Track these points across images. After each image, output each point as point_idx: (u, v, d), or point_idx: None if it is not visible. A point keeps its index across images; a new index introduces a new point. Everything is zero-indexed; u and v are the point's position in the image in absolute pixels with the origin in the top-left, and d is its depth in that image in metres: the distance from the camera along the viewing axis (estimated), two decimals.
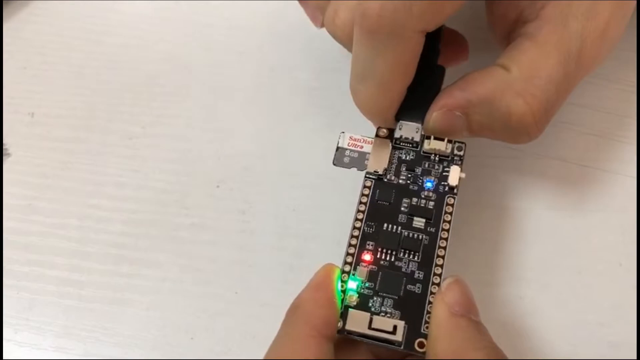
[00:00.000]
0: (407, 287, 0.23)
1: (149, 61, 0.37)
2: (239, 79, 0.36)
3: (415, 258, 0.23)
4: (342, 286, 0.23)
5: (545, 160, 0.31)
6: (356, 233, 0.24)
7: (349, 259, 0.24)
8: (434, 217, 0.24)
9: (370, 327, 0.22)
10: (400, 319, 0.22)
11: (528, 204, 0.30)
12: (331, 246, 0.29)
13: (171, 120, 0.35)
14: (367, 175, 0.25)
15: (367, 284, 0.23)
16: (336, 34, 0.27)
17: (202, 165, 0.33)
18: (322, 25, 0.30)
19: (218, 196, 0.32)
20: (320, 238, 0.30)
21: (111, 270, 0.30)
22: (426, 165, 0.26)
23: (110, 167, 0.33)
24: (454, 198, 0.25)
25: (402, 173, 0.26)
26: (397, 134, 0.26)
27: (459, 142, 0.26)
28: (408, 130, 0.26)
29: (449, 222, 0.24)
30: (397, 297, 0.23)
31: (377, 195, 0.25)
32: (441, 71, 0.27)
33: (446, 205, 0.25)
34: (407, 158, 0.26)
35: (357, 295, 0.23)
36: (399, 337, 0.22)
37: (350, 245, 0.24)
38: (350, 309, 0.23)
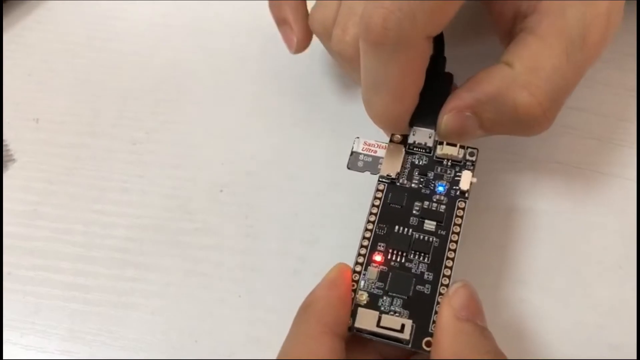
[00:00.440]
0: (417, 288, 0.23)
1: (152, 67, 0.37)
2: (242, 85, 0.36)
3: (426, 260, 0.24)
4: (352, 285, 0.23)
5: (546, 164, 0.31)
6: (368, 234, 0.24)
7: (360, 259, 0.24)
8: (444, 220, 0.24)
9: (378, 325, 0.22)
10: (409, 318, 0.23)
11: (528, 207, 0.30)
12: (335, 250, 0.30)
13: (175, 126, 0.35)
14: (381, 179, 0.26)
15: (377, 284, 0.23)
16: (347, 52, 0.27)
17: (206, 171, 0.33)
18: (296, 51, 0.31)
19: (222, 201, 0.32)
20: (324, 242, 0.30)
21: (116, 274, 0.31)
22: (438, 170, 0.26)
23: (115, 173, 0.33)
24: (465, 202, 0.25)
25: (415, 177, 0.26)
26: (410, 140, 0.26)
27: (471, 147, 0.26)
28: (421, 135, 0.26)
29: (460, 225, 0.24)
30: (406, 297, 0.23)
31: (389, 198, 0.25)
32: (449, 77, 0.27)
33: (457, 209, 0.25)
34: (420, 163, 0.26)
35: (367, 294, 0.23)
36: (406, 335, 0.22)
37: (361, 246, 0.24)
38: (359, 308, 0.23)
